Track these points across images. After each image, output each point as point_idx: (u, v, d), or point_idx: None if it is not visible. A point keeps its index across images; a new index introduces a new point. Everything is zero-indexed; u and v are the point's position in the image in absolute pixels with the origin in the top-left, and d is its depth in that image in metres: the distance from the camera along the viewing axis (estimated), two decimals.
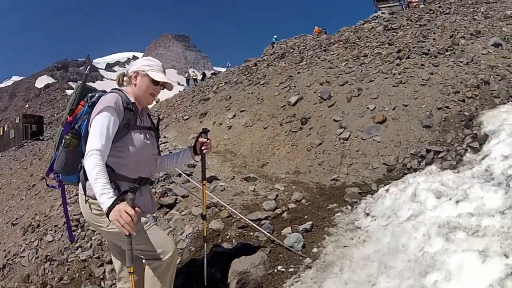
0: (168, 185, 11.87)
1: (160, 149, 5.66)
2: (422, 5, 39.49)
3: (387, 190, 9.32)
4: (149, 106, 5.62)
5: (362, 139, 13.04)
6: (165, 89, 5.25)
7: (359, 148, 12.77)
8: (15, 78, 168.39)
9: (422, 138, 12.15)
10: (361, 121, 13.94)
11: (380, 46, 20.29)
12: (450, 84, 14.36)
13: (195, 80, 51.53)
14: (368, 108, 14.41)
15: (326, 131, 14.31)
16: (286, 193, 10.54)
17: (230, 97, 23.06)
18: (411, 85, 14.88)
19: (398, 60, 17.32)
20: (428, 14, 25.74)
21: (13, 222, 17.97)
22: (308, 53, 25.60)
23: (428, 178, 8.65)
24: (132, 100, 4.60)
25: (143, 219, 4.56)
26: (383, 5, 50.19)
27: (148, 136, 4.84)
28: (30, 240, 13.57)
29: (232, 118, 19.56)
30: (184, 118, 24.68)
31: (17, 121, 48.20)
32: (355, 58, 19.64)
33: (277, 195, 10.20)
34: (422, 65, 16.21)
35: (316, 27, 43.96)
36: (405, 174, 10.48)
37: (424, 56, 17.19)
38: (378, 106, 14.29)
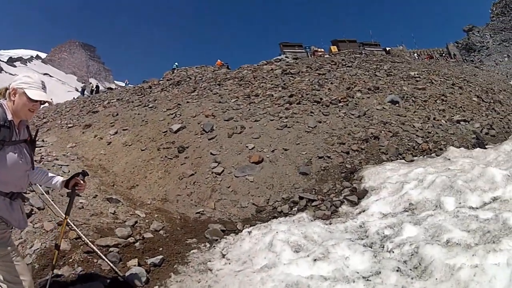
0: (27, 193, 10.48)
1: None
2: (327, 56, 39.86)
3: (249, 232, 8.45)
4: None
5: (235, 176, 12.21)
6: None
7: (231, 184, 11.90)
8: None
9: (297, 184, 11.41)
10: (237, 158, 13.21)
11: (274, 88, 19.87)
12: (336, 135, 13.90)
13: (92, 91, 49.34)
14: (247, 146, 13.73)
15: (200, 163, 13.49)
16: (147, 220, 9.79)
17: (118, 114, 21.93)
18: (296, 131, 14.32)
19: (288, 104, 16.84)
20: (330, 65, 25.74)
21: None
22: (202, 84, 25.00)
23: (291, 228, 7.80)
24: (10, 117, 4.30)
25: (8, 248, 4.36)
26: (289, 50, 50.41)
27: (22, 152, 4.52)
28: None
29: (113, 134, 18.52)
30: (68, 126, 23.02)
31: None
32: (246, 96, 19.16)
33: (136, 222, 9.48)
34: (311, 112, 15.83)
35: (218, 60, 43.46)
36: (275, 217, 9.72)
37: (316, 104, 16.82)
38: (258, 147, 13.61)
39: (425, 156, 12.86)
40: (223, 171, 12.51)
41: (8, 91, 4.40)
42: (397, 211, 7.91)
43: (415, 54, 60.82)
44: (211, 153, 13.73)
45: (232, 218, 10.37)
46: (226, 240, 8.56)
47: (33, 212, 9.56)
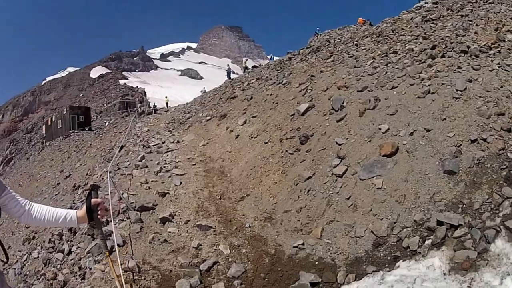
0: (119, 223, 10.28)
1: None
2: None
3: None
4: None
5: (360, 180, 9.15)
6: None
7: (351, 194, 8.91)
8: (70, 69, 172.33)
9: (439, 193, 7.62)
10: (366, 148, 10.08)
11: (414, 40, 16.00)
12: (492, 100, 9.59)
13: (246, 68, 48.44)
14: (379, 129, 10.40)
15: (322, 159, 10.93)
16: (229, 259, 8.47)
17: (252, 97, 20.04)
18: (441, 98, 10.42)
19: (431, 59, 12.95)
20: (471, 4, 20.63)
21: (13, 231, 17.36)
22: (339, 47, 21.61)
23: None
24: None
25: None
26: None
27: None
28: (23, 253, 12.86)
29: (242, 124, 17.08)
30: (207, 118, 21.86)
31: (64, 112, 47.72)
32: (383, 55, 15.59)
33: (215, 263, 8.27)
34: (459, 67, 11.68)
35: (360, 18, 38.78)
36: (396, 258, 6.56)
37: (463, 55, 12.56)
38: (393, 128, 10.17)
39: None
40: (345, 171, 9.80)
41: None
42: None
43: None
44: (336, 143, 11.16)
45: (336, 259, 7.47)
46: None
47: (113, 250, 8.63)
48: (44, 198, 21.23)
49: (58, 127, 46.26)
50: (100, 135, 32.01)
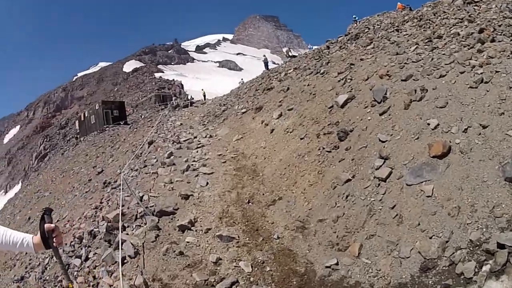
0: (136, 229, 10.11)
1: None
2: None
3: None
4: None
5: (406, 185, 8.06)
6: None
7: (396, 202, 7.86)
8: (102, 64, 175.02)
9: (499, 206, 6.38)
10: (412, 148, 8.96)
11: (459, 23, 14.93)
12: None
13: (288, 56, 48.11)
14: (428, 124, 9.23)
15: (363, 158, 10.04)
16: (251, 279, 7.81)
17: (288, 88, 19.18)
18: (496, 88, 9.19)
19: (480, 44, 11.84)
20: None
21: None
22: (379, 33, 20.53)
23: None
24: None
25: None
26: None
27: None
28: (45, 256, 12.62)
29: (277, 118, 16.33)
30: (242, 111, 21.21)
31: (96, 108, 47.94)
32: (427, 40, 14.48)
33: (232, 284, 7.63)
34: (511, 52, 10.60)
35: (399, 3, 37.40)
36: (447, 287, 5.52)
37: None
38: (443, 124, 8.98)
39: None
40: (389, 174, 8.78)
41: None
42: None
43: None
44: (379, 139, 10.13)
45: (375, 284, 6.50)
46: None
47: (125, 261, 8.73)
48: (75, 195, 21.33)
49: (92, 122, 46.49)
50: (134, 130, 31.85)
